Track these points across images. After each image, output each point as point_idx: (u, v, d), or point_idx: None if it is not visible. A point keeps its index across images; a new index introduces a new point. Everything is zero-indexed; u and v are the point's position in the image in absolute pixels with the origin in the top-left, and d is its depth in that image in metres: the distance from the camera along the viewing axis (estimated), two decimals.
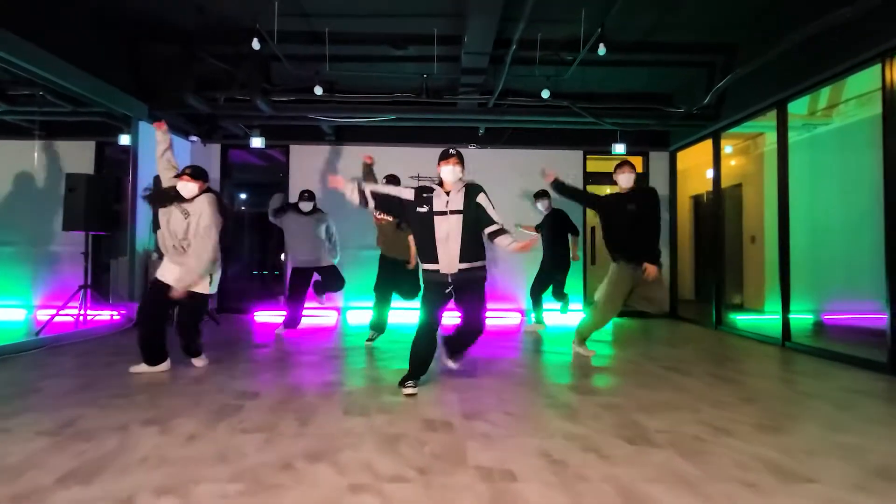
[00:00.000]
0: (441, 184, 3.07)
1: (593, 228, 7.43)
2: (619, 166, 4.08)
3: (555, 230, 5.54)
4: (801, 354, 4.43)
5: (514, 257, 6.44)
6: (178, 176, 3.37)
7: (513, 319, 6.46)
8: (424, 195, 3.05)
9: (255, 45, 4.51)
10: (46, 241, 6.23)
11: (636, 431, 2.37)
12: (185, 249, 3.37)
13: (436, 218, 3.00)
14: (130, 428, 2.34)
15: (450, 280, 3.01)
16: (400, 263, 4.47)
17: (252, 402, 2.79)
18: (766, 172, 6.31)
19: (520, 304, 6.73)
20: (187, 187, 3.35)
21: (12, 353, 3.96)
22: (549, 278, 5.63)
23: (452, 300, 3.10)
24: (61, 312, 5.04)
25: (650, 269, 3.83)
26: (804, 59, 4.43)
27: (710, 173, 6.41)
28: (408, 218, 3.18)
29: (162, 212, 3.39)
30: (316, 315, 6.03)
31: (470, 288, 3.07)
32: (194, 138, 6.65)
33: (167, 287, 3.37)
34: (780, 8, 4.66)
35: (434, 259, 3.02)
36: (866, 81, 4.41)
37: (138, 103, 5.53)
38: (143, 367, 3.44)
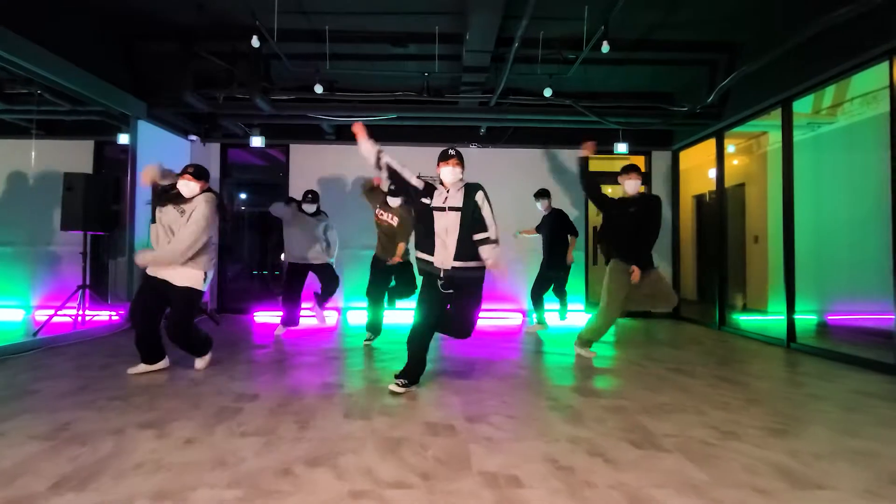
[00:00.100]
0: (442, 183, 3.13)
1: (595, 228, 7.39)
2: (626, 171, 4.03)
3: (554, 230, 5.51)
4: (807, 356, 4.38)
5: (515, 258, 6.42)
6: (180, 174, 3.36)
7: (514, 320, 6.42)
8: (429, 189, 3.12)
9: (255, 42, 4.47)
10: (44, 241, 6.18)
11: (642, 435, 2.33)
12: None
13: (435, 213, 3.05)
14: (127, 431, 2.30)
15: (443, 275, 3.03)
16: (393, 265, 4.48)
17: (251, 404, 2.75)
18: (770, 172, 6.27)
19: (521, 305, 6.69)
20: (188, 186, 3.33)
21: (10, 353, 3.92)
22: (550, 278, 5.59)
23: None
24: (59, 313, 5.00)
25: (636, 272, 3.88)
26: (809, 57, 4.38)
27: (712, 173, 6.36)
28: (414, 205, 3.24)
29: (159, 208, 3.38)
30: (315, 315, 5.97)
31: (467, 290, 3.08)
32: (193, 137, 6.61)
33: (160, 283, 3.34)
34: (784, 5, 4.61)
35: (430, 251, 3.07)
36: (873, 79, 4.37)
37: (137, 102, 5.49)
38: (141, 367, 3.41)
